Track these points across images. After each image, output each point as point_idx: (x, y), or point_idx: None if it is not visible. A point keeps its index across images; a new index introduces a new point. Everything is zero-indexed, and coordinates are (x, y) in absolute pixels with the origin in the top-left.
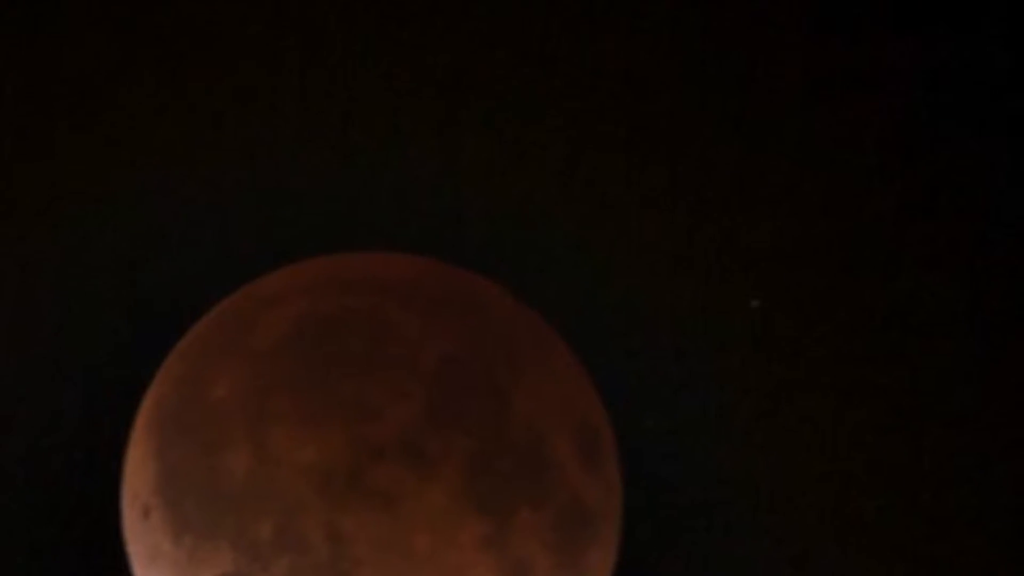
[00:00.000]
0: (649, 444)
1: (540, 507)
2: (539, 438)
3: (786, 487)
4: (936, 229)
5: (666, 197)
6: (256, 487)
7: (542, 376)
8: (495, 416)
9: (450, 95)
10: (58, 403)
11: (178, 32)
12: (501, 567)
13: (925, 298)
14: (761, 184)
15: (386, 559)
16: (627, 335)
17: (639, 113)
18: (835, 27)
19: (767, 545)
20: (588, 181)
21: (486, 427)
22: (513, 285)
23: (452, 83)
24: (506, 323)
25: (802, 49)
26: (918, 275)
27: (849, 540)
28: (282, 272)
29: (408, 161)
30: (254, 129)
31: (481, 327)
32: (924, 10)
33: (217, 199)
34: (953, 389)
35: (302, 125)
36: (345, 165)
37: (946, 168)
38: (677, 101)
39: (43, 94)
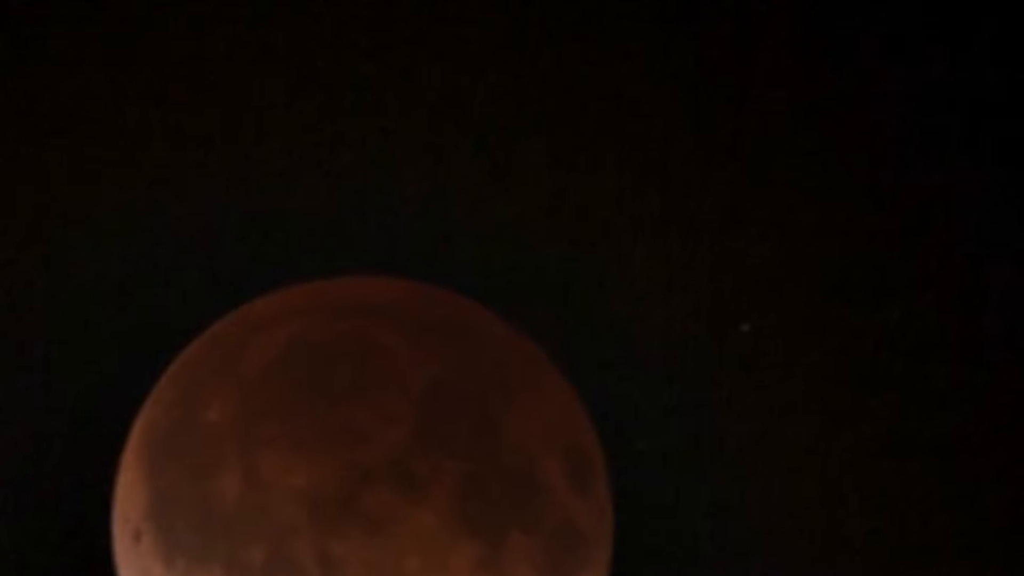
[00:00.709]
0: (640, 467)
1: (531, 530)
2: (530, 461)
3: (777, 511)
4: (928, 253)
5: (657, 221)
6: (247, 511)
7: (533, 399)
8: (486, 439)
9: (440, 119)
10: (48, 427)
11: (167, 57)
12: None
13: (917, 322)
14: (752, 208)
15: None
16: (618, 358)
17: (630, 136)
18: (826, 50)
19: (758, 569)
20: (579, 204)
21: (476, 450)
22: (504, 308)
23: (442, 107)
24: (497, 346)
25: (793, 72)
26: (910, 299)
27: (840, 564)
28: (272, 296)
29: (398, 185)
30: (243, 153)
31: (472, 351)
32: (914, 33)
33: (207, 223)
34: (945, 414)
35: (292, 150)
36: (335, 189)
37: (937, 192)
38: (668, 124)
39: (33, 118)
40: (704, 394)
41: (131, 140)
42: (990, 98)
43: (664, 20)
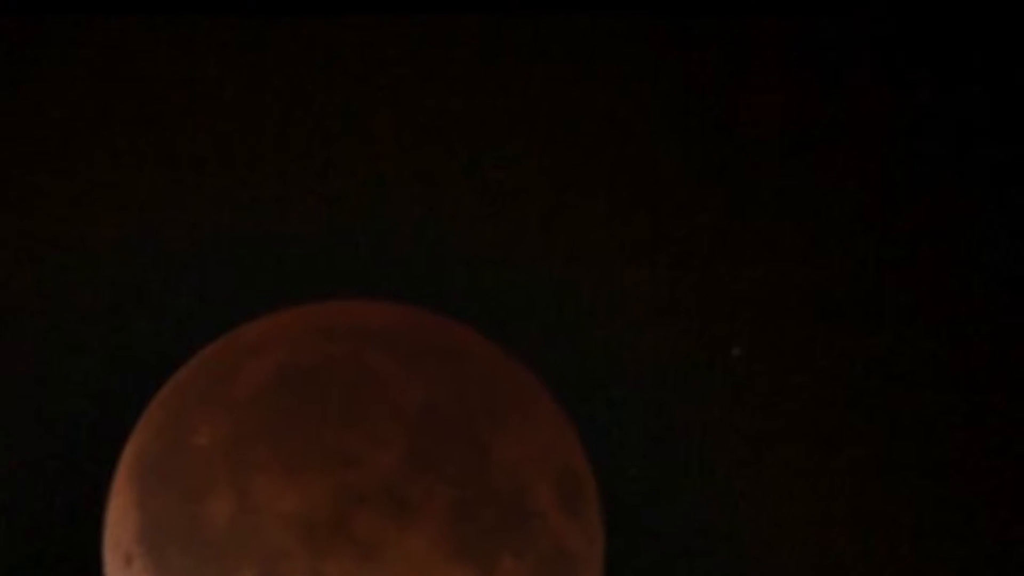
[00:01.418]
0: (631, 492)
1: (522, 555)
2: (521, 486)
3: (768, 535)
4: (918, 278)
5: (648, 246)
6: (238, 535)
7: (524, 424)
8: (477, 464)
9: (431, 142)
10: (39, 450)
11: (159, 81)
12: None
13: (906, 348)
14: (742, 233)
15: None
16: (609, 383)
17: (620, 162)
18: (814, 76)
19: None
20: (570, 230)
21: (468, 475)
22: (495, 333)
23: (433, 130)
24: (488, 371)
25: (782, 99)
26: (900, 324)
27: None
28: (264, 320)
29: (389, 209)
30: (235, 177)
31: (463, 375)
32: (903, 59)
33: (198, 247)
34: (936, 438)
35: (283, 173)
36: (326, 213)
37: (927, 217)
38: (658, 148)
39: (24, 143)
40: (695, 418)
41: (122, 164)
42: (979, 123)
43: (654, 44)
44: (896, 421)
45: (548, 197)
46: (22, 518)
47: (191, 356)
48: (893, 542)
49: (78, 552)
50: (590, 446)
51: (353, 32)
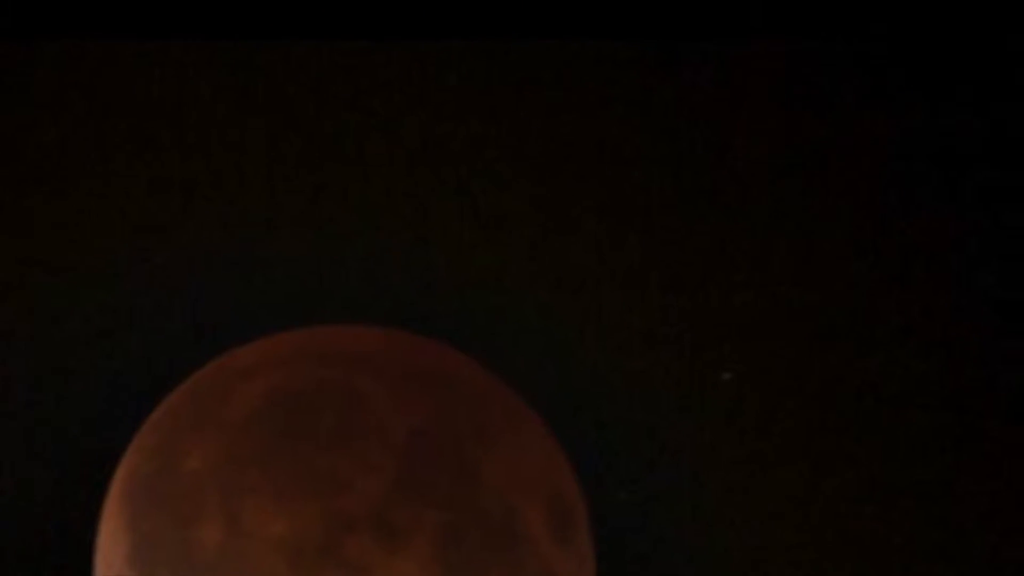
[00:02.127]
0: (622, 517)
1: None
2: (511, 510)
3: (759, 558)
4: (909, 301)
5: (638, 269)
6: (229, 559)
7: (513, 448)
8: (466, 488)
9: (421, 167)
10: (31, 474)
11: (150, 106)
12: None
13: (898, 370)
14: (733, 257)
15: None
16: (599, 407)
17: (611, 185)
18: (805, 101)
19: None
20: (560, 253)
21: (457, 499)
22: (485, 358)
23: (423, 155)
24: (478, 396)
25: (774, 121)
26: (890, 347)
27: None
28: (255, 345)
29: (380, 233)
30: (227, 201)
31: (453, 400)
32: (894, 83)
33: (190, 271)
34: (926, 461)
35: (274, 198)
36: (317, 237)
37: (918, 240)
38: (650, 173)
39: (16, 166)
40: (686, 442)
41: (114, 188)
42: (970, 147)
43: (645, 69)
44: (888, 443)
45: (538, 221)
46: (14, 540)
47: (183, 380)
48: (886, 564)
49: (70, 574)
50: (580, 470)
51: (344, 58)
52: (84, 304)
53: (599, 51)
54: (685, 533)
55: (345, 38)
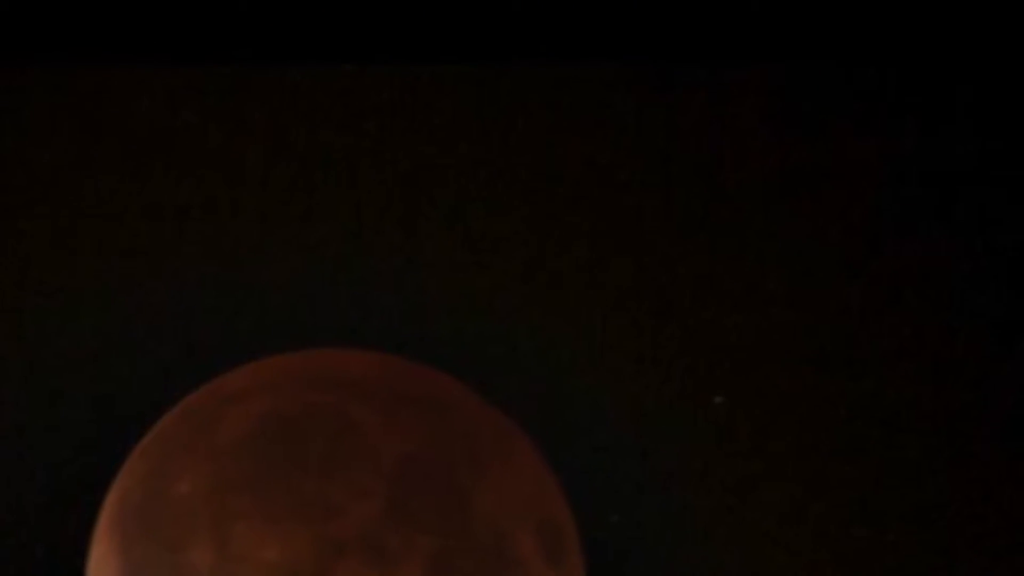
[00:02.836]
0: (613, 541)
1: None
2: (502, 535)
3: None
4: (901, 324)
5: (630, 292)
6: None
7: (505, 473)
8: (458, 513)
9: (413, 191)
10: (21, 499)
11: (142, 129)
12: None
13: (890, 393)
14: (724, 281)
15: None
16: (590, 431)
17: (603, 208)
18: (798, 123)
19: None
20: (552, 277)
21: (449, 524)
22: (476, 382)
23: (415, 180)
24: (469, 420)
25: (766, 144)
26: (883, 371)
27: None
28: (245, 369)
29: (371, 257)
30: (219, 225)
31: (443, 424)
32: (886, 106)
33: (180, 296)
34: (918, 484)
35: (265, 222)
36: (308, 262)
37: (910, 264)
38: (642, 195)
39: (7, 191)
40: (677, 466)
41: (105, 212)
42: (962, 170)
43: (637, 92)
44: (879, 466)
45: (531, 245)
46: (4, 566)
47: (173, 404)
48: None
49: None
50: (572, 494)
51: (336, 82)
52: (75, 329)
53: (591, 75)
54: (677, 556)
55: (337, 62)
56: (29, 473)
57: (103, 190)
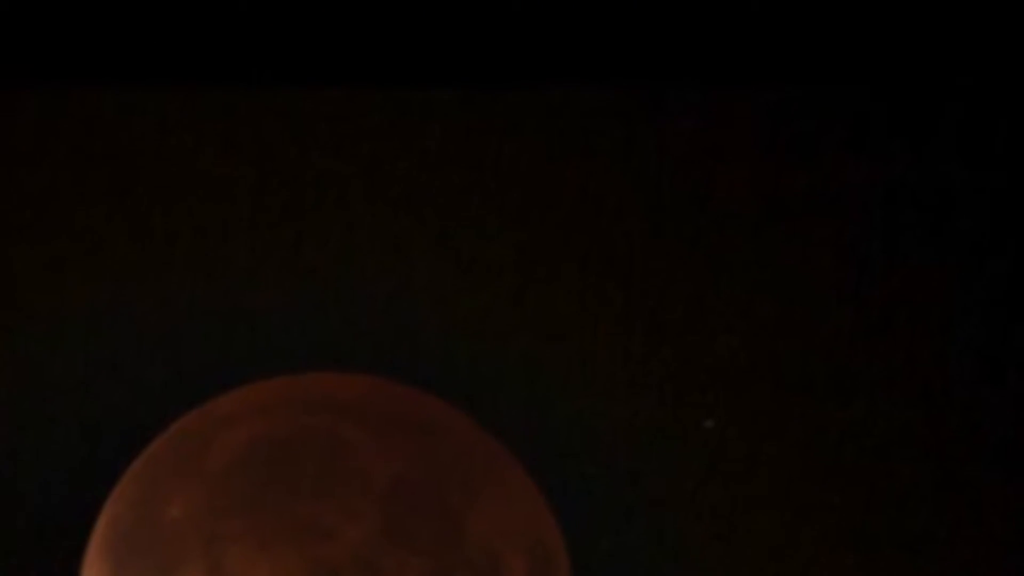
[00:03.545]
0: (604, 565)
1: None
2: (493, 559)
3: None
4: (892, 349)
5: (620, 316)
6: None
7: (496, 497)
8: (450, 537)
9: (404, 216)
10: (11, 524)
11: (132, 152)
12: None
13: (881, 419)
14: (715, 305)
15: None
16: (582, 456)
17: (593, 234)
18: (788, 148)
19: None
20: (543, 301)
21: (441, 547)
22: (467, 405)
23: (405, 203)
24: (460, 444)
25: (756, 170)
26: (874, 396)
27: None
28: (236, 392)
29: (362, 281)
30: (209, 249)
31: (435, 448)
32: (878, 131)
33: (171, 319)
34: (909, 511)
35: (256, 245)
36: (299, 285)
37: (901, 290)
38: (631, 219)
39: None
40: (668, 490)
41: (94, 235)
42: (954, 196)
43: (626, 116)
44: (870, 493)
45: (521, 269)
46: None
47: (164, 428)
48: None
49: None
50: (563, 519)
51: (326, 105)
52: (65, 353)
53: (581, 99)
54: None
55: (328, 86)
56: (19, 497)
57: (92, 212)
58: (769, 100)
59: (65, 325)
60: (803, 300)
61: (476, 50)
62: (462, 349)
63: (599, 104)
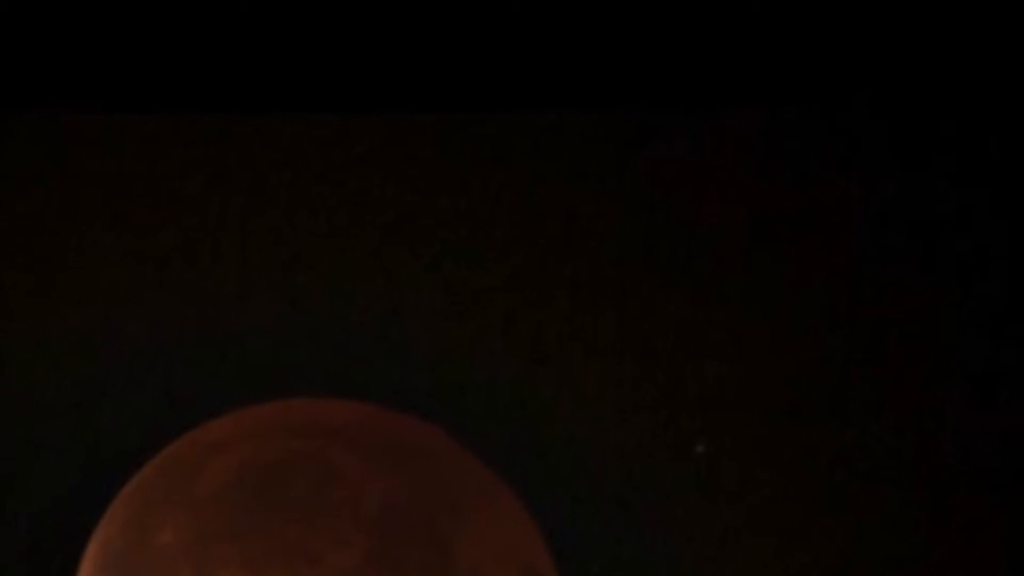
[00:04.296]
0: None
1: None
2: None
3: None
4: (883, 373)
5: (611, 341)
6: None
7: (486, 522)
8: (438, 562)
9: (394, 241)
10: (1, 547)
11: (123, 178)
12: None
13: (871, 443)
14: (706, 329)
15: None
16: (572, 481)
17: (584, 258)
18: (778, 170)
19: None
20: (533, 326)
21: (430, 573)
22: (457, 431)
23: (395, 228)
24: (450, 469)
25: (746, 192)
26: (864, 420)
27: None
28: (226, 418)
29: (352, 307)
30: (199, 274)
31: (425, 473)
32: (868, 151)
33: (161, 344)
34: (900, 535)
35: (245, 271)
36: (289, 310)
37: (893, 311)
38: (622, 245)
39: None
40: (659, 515)
41: (85, 260)
42: (945, 216)
43: (617, 138)
44: (862, 517)
45: (511, 294)
46: None
47: (154, 453)
48: None
49: None
50: (553, 544)
51: (316, 130)
52: (55, 377)
53: (571, 124)
54: None
55: (318, 111)
56: (10, 522)
57: (83, 238)
58: (757, 123)
59: (56, 349)
60: (793, 324)
61: (465, 76)
62: (452, 374)
63: (589, 129)
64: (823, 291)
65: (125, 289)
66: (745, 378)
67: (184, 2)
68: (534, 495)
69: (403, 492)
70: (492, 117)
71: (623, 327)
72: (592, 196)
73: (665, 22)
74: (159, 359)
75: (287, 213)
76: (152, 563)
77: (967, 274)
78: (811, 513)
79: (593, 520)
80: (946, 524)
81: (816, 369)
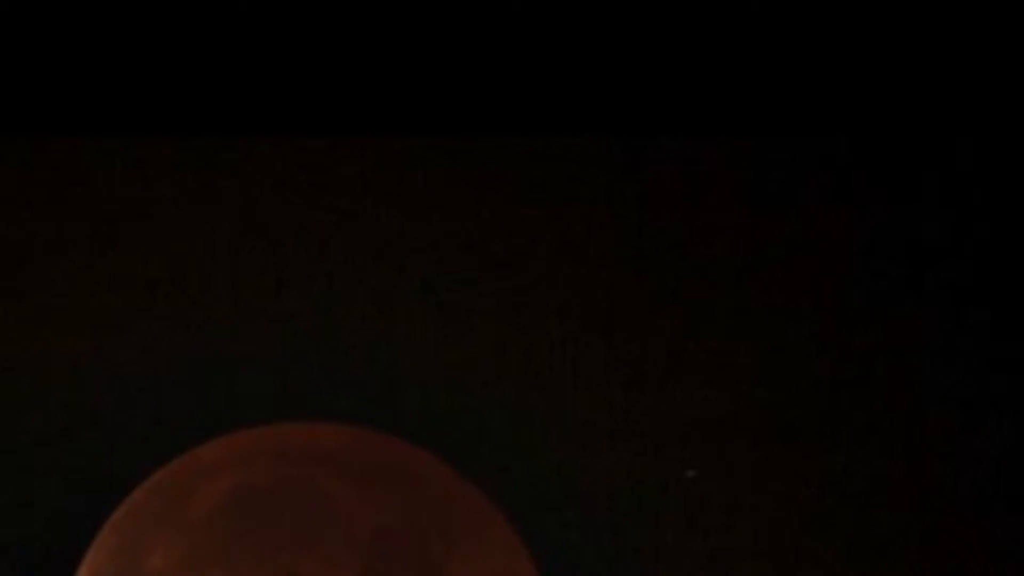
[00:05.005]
0: None
1: None
2: None
3: None
4: (872, 399)
5: (602, 368)
6: None
7: (478, 547)
8: None
9: (384, 265)
10: None
11: (111, 202)
12: None
13: (860, 469)
14: (696, 355)
15: None
16: (563, 506)
17: (574, 284)
18: (768, 197)
19: None
20: (524, 351)
21: None
22: (449, 456)
23: (386, 252)
24: (441, 494)
25: (736, 219)
26: (854, 446)
27: None
28: (217, 442)
29: (343, 330)
30: (189, 299)
31: (416, 498)
32: (857, 179)
33: (151, 369)
34: (889, 560)
35: (236, 295)
36: (280, 334)
37: (882, 338)
38: (613, 270)
39: None
40: (649, 539)
41: (74, 285)
42: (934, 243)
43: (607, 166)
44: (851, 542)
45: (502, 319)
46: None
47: (145, 478)
48: None
49: None
50: (544, 569)
51: (306, 154)
52: (45, 403)
53: (563, 149)
54: None
55: (308, 135)
56: (1, 549)
57: (71, 262)
58: (749, 151)
59: (44, 376)
60: (783, 350)
61: (458, 100)
62: (443, 398)
63: (581, 154)
64: (813, 318)
65: (114, 314)
66: (735, 404)
67: (172, 25)
68: (525, 519)
69: (395, 516)
70: (484, 141)
71: (614, 352)
72: (583, 222)
73: (658, 50)
74: (149, 384)
75: (277, 237)
76: None
77: (956, 301)
78: (800, 538)
79: (583, 544)
80: (935, 549)
81: (806, 395)
